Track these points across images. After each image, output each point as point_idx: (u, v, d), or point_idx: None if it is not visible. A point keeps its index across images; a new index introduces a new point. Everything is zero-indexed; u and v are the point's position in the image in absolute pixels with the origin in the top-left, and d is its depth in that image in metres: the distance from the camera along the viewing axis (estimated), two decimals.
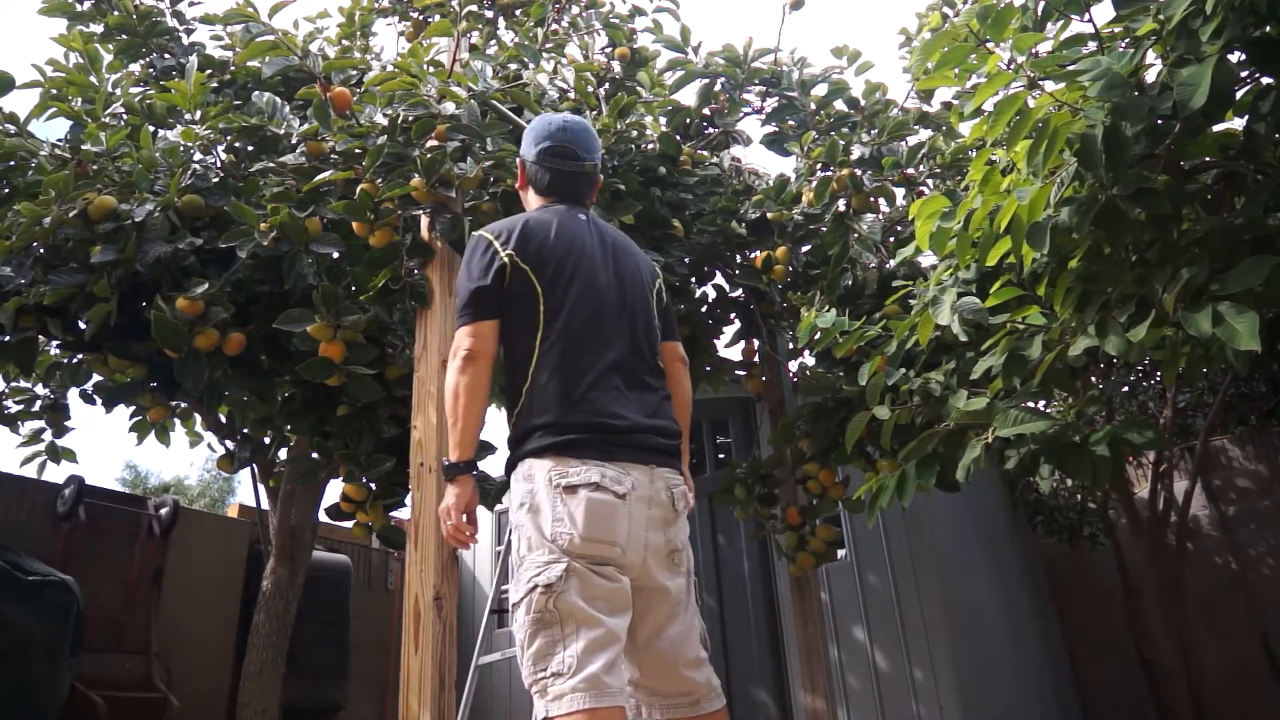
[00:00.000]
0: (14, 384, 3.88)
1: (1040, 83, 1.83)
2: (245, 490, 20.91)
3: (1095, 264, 2.02)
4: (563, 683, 1.53)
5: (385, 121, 2.94)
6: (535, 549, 1.65)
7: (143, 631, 5.23)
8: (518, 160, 2.12)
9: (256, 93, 3.41)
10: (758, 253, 3.73)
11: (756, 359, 4.40)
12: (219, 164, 3.34)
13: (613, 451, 1.71)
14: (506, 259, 1.83)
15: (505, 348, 1.87)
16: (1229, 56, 1.63)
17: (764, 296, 4.04)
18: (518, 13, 4.63)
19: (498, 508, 7.18)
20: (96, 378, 3.39)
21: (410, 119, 2.89)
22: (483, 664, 3.07)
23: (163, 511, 5.65)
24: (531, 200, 2.09)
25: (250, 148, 3.49)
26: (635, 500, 1.70)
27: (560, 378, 1.75)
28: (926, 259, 3.23)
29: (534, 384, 1.78)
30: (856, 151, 3.55)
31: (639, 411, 1.79)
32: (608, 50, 4.57)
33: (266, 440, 3.92)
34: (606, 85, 4.37)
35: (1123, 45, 1.85)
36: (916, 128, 3.85)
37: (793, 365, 4.58)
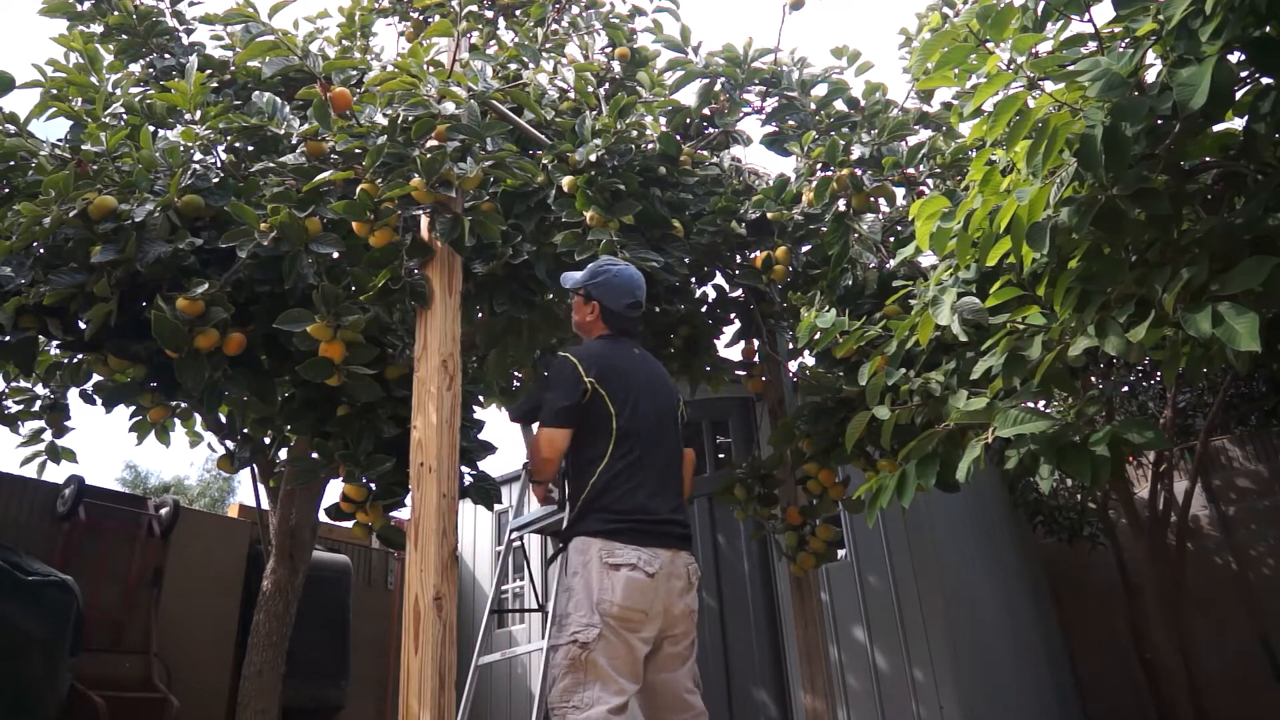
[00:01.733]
0: (14, 384, 3.88)
1: (1040, 83, 1.83)
2: (245, 490, 20.94)
3: (1095, 264, 2.02)
4: (580, 714, 2.02)
5: (385, 121, 2.94)
6: (580, 609, 2.14)
7: (143, 631, 5.24)
8: (592, 302, 2.59)
9: (256, 93, 3.41)
10: (758, 253, 3.73)
11: (756, 359, 4.40)
12: (219, 164, 3.34)
13: (646, 539, 2.24)
14: (589, 384, 2.36)
15: (575, 446, 2.38)
16: (1229, 56, 1.63)
17: (764, 296, 4.04)
18: (518, 13, 4.63)
19: (498, 508, 7.19)
20: (96, 378, 3.38)
21: (410, 119, 2.89)
22: (483, 664, 3.06)
23: (163, 511, 5.66)
24: (597, 328, 2.60)
25: (250, 148, 3.49)
26: (662, 577, 2.22)
27: (620, 480, 2.30)
28: (926, 259, 3.23)
29: (599, 480, 2.31)
30: (856, 151, 3.54)
31: (666, 507, 2.34)
32: (608, 50, 4.57)
33: (266, 440, 3.91)
34: (606, 85, 4.37)
35: (1122, 45, 1.84)
36: (916, 128, 3.85)
37: (793, 365, 4.57)
